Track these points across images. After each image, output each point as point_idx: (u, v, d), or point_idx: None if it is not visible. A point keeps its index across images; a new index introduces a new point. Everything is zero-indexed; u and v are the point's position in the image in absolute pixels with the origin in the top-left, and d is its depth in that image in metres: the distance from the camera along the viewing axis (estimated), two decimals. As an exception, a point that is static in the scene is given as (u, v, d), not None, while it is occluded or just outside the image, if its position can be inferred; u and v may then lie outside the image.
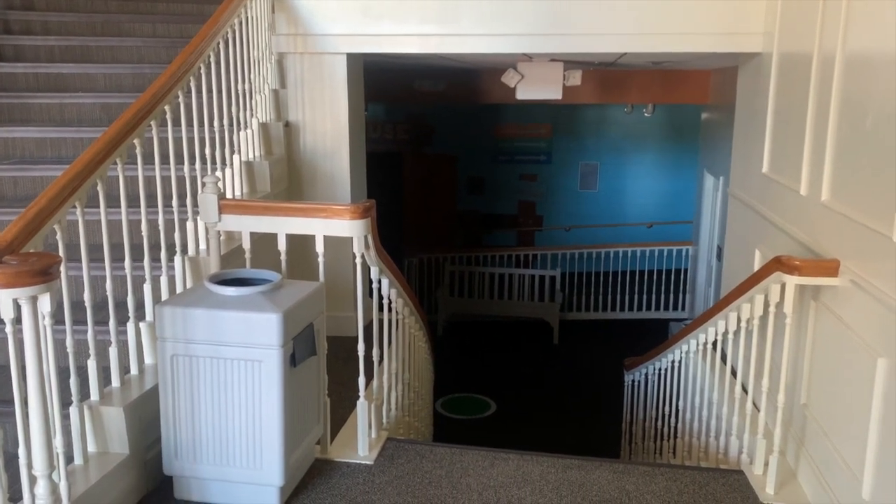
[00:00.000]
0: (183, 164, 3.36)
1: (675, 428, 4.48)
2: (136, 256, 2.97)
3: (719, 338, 3.69)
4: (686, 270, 8.97)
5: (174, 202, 3.26)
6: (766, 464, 3.09)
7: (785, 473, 3.13)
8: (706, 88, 7.73)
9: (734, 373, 3.61)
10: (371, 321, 3.37)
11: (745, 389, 3.46)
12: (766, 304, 3.10)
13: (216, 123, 3.71)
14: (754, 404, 3.34)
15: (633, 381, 5.60)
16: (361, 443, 3.24)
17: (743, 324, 3.37)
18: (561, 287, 9.91)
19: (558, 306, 9.70)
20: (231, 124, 3.96)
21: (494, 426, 7.34)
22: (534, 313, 9.83)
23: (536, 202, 12.14)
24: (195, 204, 3.30)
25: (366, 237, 3.04)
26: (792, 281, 2.90)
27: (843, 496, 2.68)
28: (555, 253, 10.57)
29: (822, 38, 3.23)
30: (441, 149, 11.65)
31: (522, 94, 6.07)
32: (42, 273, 2.01)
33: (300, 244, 3.27)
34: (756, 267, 3.78)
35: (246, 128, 4.21)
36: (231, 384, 2.70)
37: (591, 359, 8.85)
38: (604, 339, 9.39)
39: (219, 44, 3.73)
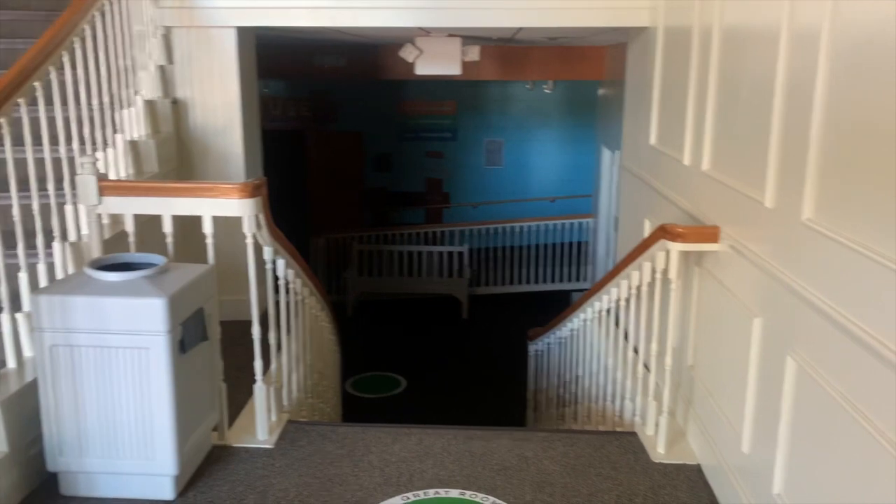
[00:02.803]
0: (59, 145, 3.19)
1: (576, 394, 4.61)
2: (10, 244, 2.81)
3: (612, 305, 3.81)
4: (587, 242, 9.21)
5: (50, 186, 3.09)
6: (657, 424, 3.22)
7: (674, 433, 3.27)
8: (602, 64, 7.91)
9: (627, 338, 3.74)
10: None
11: (636, 352, 3.58)
12: (654, 271, 3.21)
13: (95, 101, 3.53)
14: (646, 367, 3.47)
15: (536, 350, 5.72)
16: (260, 427, 3.19)
17: (633, 291, 3.48)
18: (469, 263, 10.01)
19: (467, 282, 9.80)
20: (112, 102, 3.78)
21: (405, 403, 7.37)
22: (443, 289, 9.90)
23: (443, 179, 12.18)
24: (75, 186, 3.14)
25: (257, 216, 2.97)
26: (675, 248, 3.02)
27: (726, 451, 2.82)
28: (462, 229, 10.65)
29: (702, 12, 3.33)
30: (346, 126, 11.50)
31: (421, 70, 6.03)
32: None
33: (194, 226, 3.15)
34: (646, 236, 3.91)
35: (129, 106, 4.02)
36: (117, 373, 2.60)
37: (499, 332, 8.99)
38: (511, 312, 9.55)
39: (94, 17, 3.54)
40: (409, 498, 2.82)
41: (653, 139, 4.15)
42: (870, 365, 1.79)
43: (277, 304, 3.33)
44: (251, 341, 3.16)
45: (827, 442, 2.02)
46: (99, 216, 3.06)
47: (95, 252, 3.07)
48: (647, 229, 4.13)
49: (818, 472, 2.08)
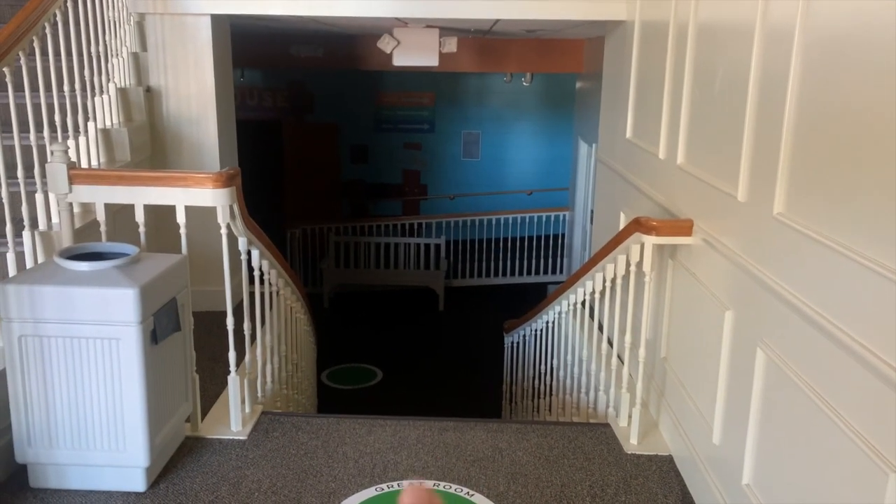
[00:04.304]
0: (29, 131, 3.13)
1: (550, 386, 4.63)
2: (-24, 232, 2.76)
3: (588, 297, 3.83)
4: (564, 235, 9.25)
5: (19, 173, 3.04)
6: (630, 416, 3.24)
7: (647, 424, 3.30)
8: (580, 57, 7.92)
9: (602, 330, 3.76)
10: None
11: (610, 344, 3.61)
12: (628, 264, 3.23)
13: (66, 88, 3.47)
14: (619, 358, 3.50)
15: (512, 342, 5.74)
16: (234, 418, 3.17)
17: (608, 283, 3.50)
18: (446, 255, 10.01)
19: (443, 274, 9.80)
20: (84, 89, 3.72)
21: (380, 394, 7.36)
22: (419, 281, 9.90)
23: (421, 171, 12.16)
24: (45, 174, 3.09)
25: (231, 207, 2.94)
26: (650, 241, 3.04)
27: (697, 442, 2.86)
28: (439, 221, 10.65)
29: (678, 6, 3.35)
30: (323, 117, 11.43)
31: (399, 61, 6.01)
32: None
33: (169, 216, 3.12)
34: (621, 229, 3.93)
35: (102, 93, 3.96)
36: (87, 364, 2.57)
37: (475, 323, 9.01)
38: (487, 304, 9.58)
39: (66, 1, 3.47)
40: (382, 489, 2.83)
41: (629, 133, 4.17)
42: (837, 357, 1.81)
43: (252, 294, 3.31)
44: (226, 332, 3.13)
45: (795, 433, 2.05)
46: (70, 205, 3.02)
47: (66, 241, 3.02)
48: (623, 222, 4.16)
49: (786, 463, 2.11)
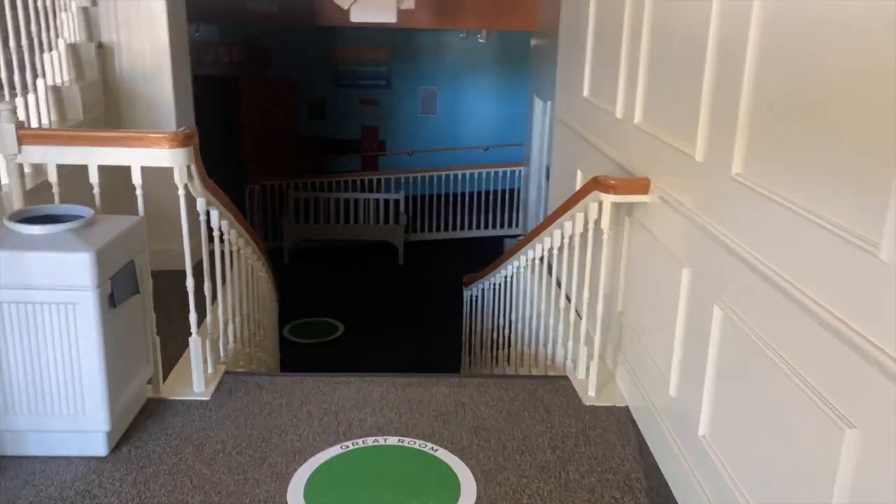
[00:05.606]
0: (-28, 89, 3.03)
1: (509, 338, 4.71)
2: (-78, 195, 2.67)
3: (546, 253, 3.88)
4: (519, 190, 9.32)
5: (-36, 133, 2.93)
6: (588, 368, 3.33)
7: (604, 376, 3.39)
8: (534, 14, 7.86)
9: (559, 285, 3.82)
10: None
11: (568, 299, 3.68)
12: (586, 221, 3.27)
13: (13, 43, 3.34)
14: (577, 313, 3.56)
15: (471, 296, 5.80)
16: (196, 379, 3.17)
17: (566, 240, 3.55)
18: (405, 210, 10.03)
19: (402, 228, 9.85)
20: (32, 45, 3.58)
21: (342, 347, 7.41)
22: (379, 236, 9.94)
23: (379, 127, 12.05)
24: (-9, 134, 2.98)
25: (189, 167, 2.89)
26: (608, 199, 3.07)
27: (654, 394, 2.94)
28: (398, 177, 10.64)
29: (637, -37, 3.34)
30: (280, 72, 11.20)
31: (356, 17, 5.90)
32: None
33: (123, 175, 3.04)
34: (578, 187, 3.96)
35: (51, 49, 3.82)
36: (43, 330, 2.53)
37: (434, 277, 9.07)
38: (446, 258, 9.67)
39: (8, -48, 3.33)
40: (347, 447, 2.87)
41: (586, 91, 4.18)
42: (793, 315, 1.85)
43: (212, 254, 3.27)
44: (185, 292, 3.11)
45: (751, 388, 2.11)
46: (20, 166, 2.93)
47: (17, 204, 2.94)
48: (580, 180, 4.19)
49: (742, 416, 2.17)
